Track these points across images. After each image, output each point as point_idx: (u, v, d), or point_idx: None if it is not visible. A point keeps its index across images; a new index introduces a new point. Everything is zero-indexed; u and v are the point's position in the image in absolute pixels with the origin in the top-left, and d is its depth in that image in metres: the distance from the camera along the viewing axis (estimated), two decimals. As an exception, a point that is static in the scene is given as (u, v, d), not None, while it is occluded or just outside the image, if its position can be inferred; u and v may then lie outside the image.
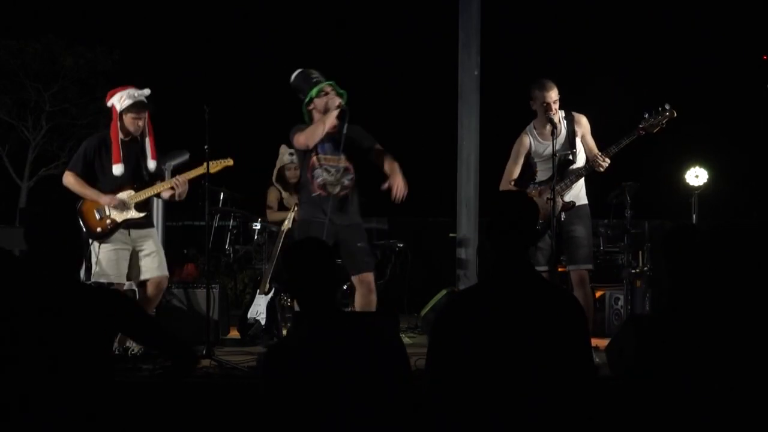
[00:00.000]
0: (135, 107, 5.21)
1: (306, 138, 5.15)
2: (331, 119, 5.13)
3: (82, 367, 2.75)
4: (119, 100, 5.23)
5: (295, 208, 6.42)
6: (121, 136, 5.24)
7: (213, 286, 5.69)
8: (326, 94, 5.21)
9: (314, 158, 5.21)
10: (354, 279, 5.25)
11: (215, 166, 5.37)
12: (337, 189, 5.20)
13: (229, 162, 5.47)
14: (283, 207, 6.78)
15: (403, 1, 15.38)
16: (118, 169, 5.22)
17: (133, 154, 5.29)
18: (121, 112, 5.22)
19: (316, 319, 2.66)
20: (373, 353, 2.60)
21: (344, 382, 2.54)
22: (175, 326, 5.78)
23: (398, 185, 5.10)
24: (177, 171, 5.48)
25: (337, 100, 5.17)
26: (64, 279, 2.88)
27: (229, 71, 16.69)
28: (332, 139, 5.22)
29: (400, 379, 2.61)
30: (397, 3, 15.43)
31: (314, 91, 5.23)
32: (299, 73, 5.33)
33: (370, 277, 5.20)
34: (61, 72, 16.91)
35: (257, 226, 6.65)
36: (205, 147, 5.17)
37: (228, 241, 7.08)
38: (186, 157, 5.88)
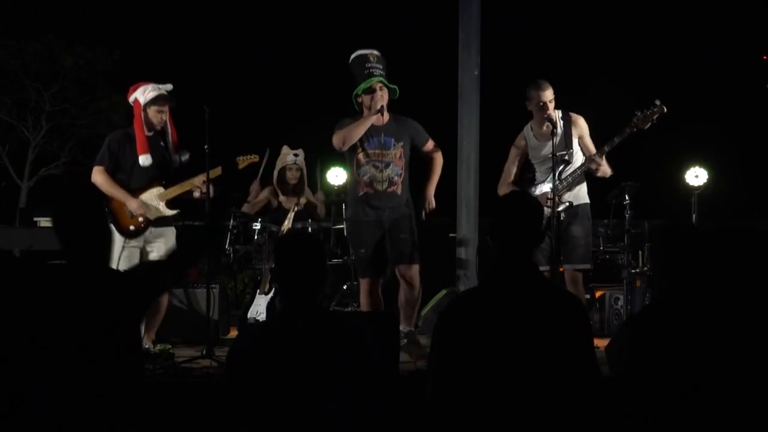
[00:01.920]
0: (159, 100, 5.19)
1: (338, 141, 5.10)
2: (366, 125, 5.06)
3: (109, 362, 2.75)
4: (143, 94, 5.22)
5: (295, 209, 6.43)
6: (144, 130, 5.20)
7: (213, 286, 5.69)
8: (374, 91, 5.09)
9: (360, 154, 5.14)
10: (396, 272, 5.19)
11: (242, 162, 5.38)
12: (384, 185, 5.13)
13: (255, 158, 5.46)
14: (282, 209, 6.78)
15: (403, 1, 15.38)
16: (145, 160, 5.15)
17: (158, 150, 5.26)
18: (145, 105, 5.20)
19: (292, 314, 2.68)
20: (343, 354, 2.60)
21: (306, 378, 2.55)
22: (175, 326, 5.79)
23: (428, 203, 5.22)
24: (178, 170, 5.46)
25: (380, 103, 5.06)
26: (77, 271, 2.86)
27: (229, 71, 16.68)
28: (378, 132, 5.14)
29: (374, 383, 2.62)
30: (397, 3, 15.43)
31: (360, 89, 5.12)
32: (357, 56, 5.21)
33: (409, 270, 5.11)
34: (61, 72, 16.91)
35: (257, 226, 6.65)
36: (205, 147, 5.17)
37: (228, 241, 7.08)
38: (186, 156, 5.88)
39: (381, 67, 5.17)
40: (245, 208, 6.92)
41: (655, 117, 5.16)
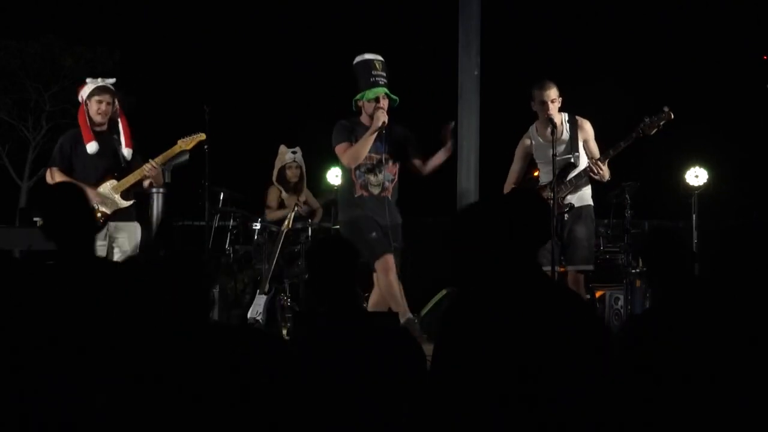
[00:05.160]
0: (96, 90, 5.31)
1: (349, 159, 5.21)
2: (371, 141, 5.17)
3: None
4: (84, 90, 5.37)
5: (295, 208, 6.43)
6: (87, 123, 5.31)
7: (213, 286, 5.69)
8: (378, 102, 5.18)
9: None
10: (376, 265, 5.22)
11: (189, 142, 5.41)
12: (378, 189, 5.25)
13: (202, 136, 5.47)
14: (282, 207, 6.79)
15: (403, 2, 15.38)
16: (92, 147, 5.26)
17: (110, 145, 5.34)
18: (86, 100, 5.33)
19: (336, 316, 2.69)
20: (391, 353, 2.63)
21: (357, 380, 2.56)
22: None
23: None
24: (177, 171, 5.48)
25: (382, 119, 5.14)
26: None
27: (229, 71, 16.68)
28: (377, 137, 5.23)
29: (417, 381, 2.63)
30: (397, 3, 15.43)
31: (366, 97, 5.23)
32: (363, 61, 5.28)
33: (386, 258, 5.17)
34: (61, 72, 16.90)
35: (257, 226, 6.66)
36: (205, 147, 5.19)
37: (228, 241, 7.08)
38: (186, 157, 5.90)
39: (385, 75, 5.26)
40: (271, 216, 6.89)
41: (662, 123, 5.17)
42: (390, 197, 5.30)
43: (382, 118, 5.16)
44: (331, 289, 2.71)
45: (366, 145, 5.17)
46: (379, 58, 5.30)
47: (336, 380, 2.57)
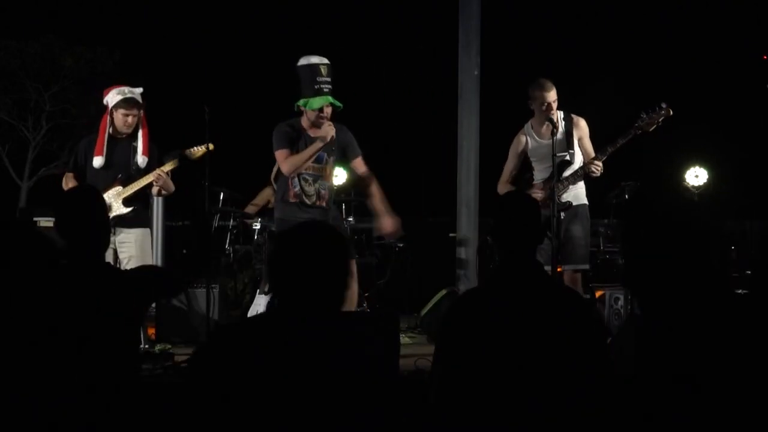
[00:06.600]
0: (125, 103, 5.26)
1: (289, 168, 5.11)
2: (315, 154, 5.09)
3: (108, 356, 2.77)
4: (111, 97, 5.30)
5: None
6: (110, 131, 5.28)
7: (213, 286, 5.70)
8: (322, 111, 5.10)
9: None
10: None
11: (196, 152, 5.37)
12: (313, 199, 5.19)
13: (210, 147, 5.44)
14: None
15: (403, 2, 15.37)
16: (97, 161, 5.25)
17: (124, 152, 5.32)
18: (112, 109, 5.28)
19: (314, 315, 2.64)
20: (350, 355, 2.58)
21: (318, 380, 2.53)
22: (175, 326, 5.79)
23: (389, 230, 5.12)
24: (177, 171, 5.48)
25: (330, 134, 5.08)
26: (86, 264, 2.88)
27: (229, 71, 16.68)
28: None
29: (380, 382, 2.60)
30: (397, 3, 15.42)
31: (310, 104, 5.13)
32: (308, 65, 5.18)
33: None
34: (61, 72, 16.89)
35: (257, 226, 6.66)
36: (205, 147, 5.18)
37: (228, 241, 7.08)
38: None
39: (330, 80, 5.15)
40: (248, 209, 6.93)
41: (660, 119, 5.17)
42: (326, 206, 5.24)
43: (331, 132, 5.09)
44: (319, 286, 2.64)
45: (309, 157, 5.10)
46: (325, 61, 5.19)
47: (310, 379, 2.54)
